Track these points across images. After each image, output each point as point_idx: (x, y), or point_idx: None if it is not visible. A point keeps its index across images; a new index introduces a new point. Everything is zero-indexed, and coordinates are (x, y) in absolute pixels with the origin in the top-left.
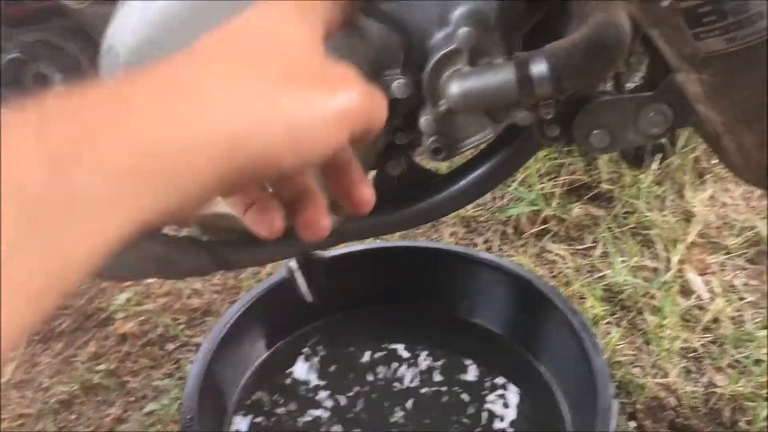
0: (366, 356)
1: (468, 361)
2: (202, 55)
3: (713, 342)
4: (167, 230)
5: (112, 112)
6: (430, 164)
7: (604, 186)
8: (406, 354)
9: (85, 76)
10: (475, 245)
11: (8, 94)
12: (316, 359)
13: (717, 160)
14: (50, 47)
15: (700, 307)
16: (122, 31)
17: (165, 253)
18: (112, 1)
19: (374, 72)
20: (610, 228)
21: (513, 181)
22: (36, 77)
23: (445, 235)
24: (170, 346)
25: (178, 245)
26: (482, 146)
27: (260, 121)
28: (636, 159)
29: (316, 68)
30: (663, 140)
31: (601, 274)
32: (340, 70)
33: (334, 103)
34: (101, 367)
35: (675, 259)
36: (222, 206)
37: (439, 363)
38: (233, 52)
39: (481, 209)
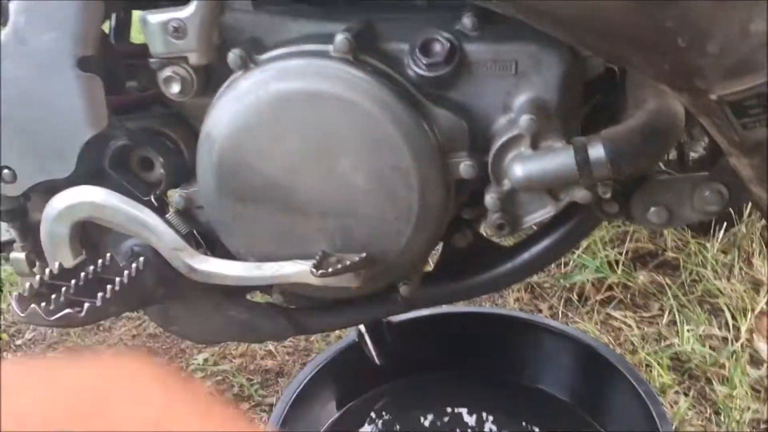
0: (430, 421)
1: (533, 428)
2: None
3: None
4: (249, 296)
5: None
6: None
7: (670, 254)
8: (470, 419)
9: (184, 160)
10: (540, 311)
11: (116, 177)
12: (381, 422)
13: None
14: (153, 133)
15: None
16: (219, 121)
17: (248, 318)
18: (210, 95)
19: (442, 155)
20: (676, 296)
21: (577, 249)
22: (140, 161)
23: (509, 301)
24: (245, 406)
25: (261, 311)
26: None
27: None
28: (702, 227)
29: None
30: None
31: (667, 343)
32: None
33: None
34: None
35: (744, 328)
36: (301, 276)
37: (503, 429)
38: None
39: (546, 276)
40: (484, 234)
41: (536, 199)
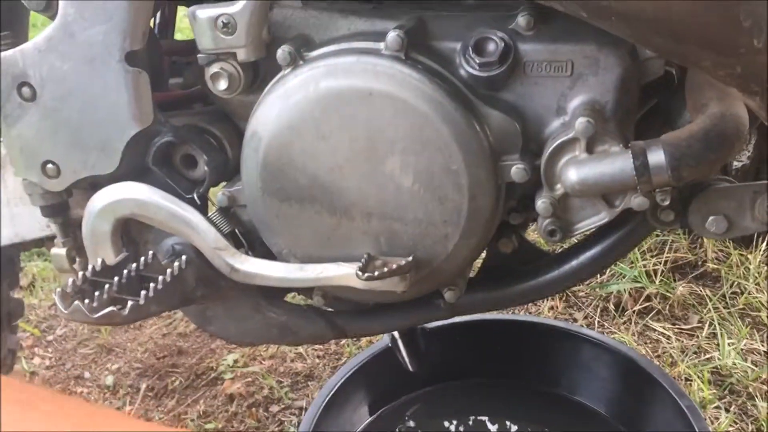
0: (462, 429)
1: None
2: None
3: None
4: (288, 298)
5: None
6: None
7: (710, 265)
8: (503, 429)
9: (227, 158)
10: (575, 320)
11: (159, 174)
12: (412, 429)
13: None
14: (197, 131)
15: None
16: (266, 119)
17: (287, 320)
18: (257, 92)
19: (494, 157)
20: (716, 308)
21: None
22: (184, 159)
23: (544, 310)
24: (274, 408)
25: (300, 313)
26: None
27: None
28: (744, 239)
29: None
30: None
31: (708, 356)
32: None
33: None
34: (210, 426)
35: None
36: (345, 279)
37: None
38: None
39: (581, 284)
40: (530, 241)
41: (590, 205)
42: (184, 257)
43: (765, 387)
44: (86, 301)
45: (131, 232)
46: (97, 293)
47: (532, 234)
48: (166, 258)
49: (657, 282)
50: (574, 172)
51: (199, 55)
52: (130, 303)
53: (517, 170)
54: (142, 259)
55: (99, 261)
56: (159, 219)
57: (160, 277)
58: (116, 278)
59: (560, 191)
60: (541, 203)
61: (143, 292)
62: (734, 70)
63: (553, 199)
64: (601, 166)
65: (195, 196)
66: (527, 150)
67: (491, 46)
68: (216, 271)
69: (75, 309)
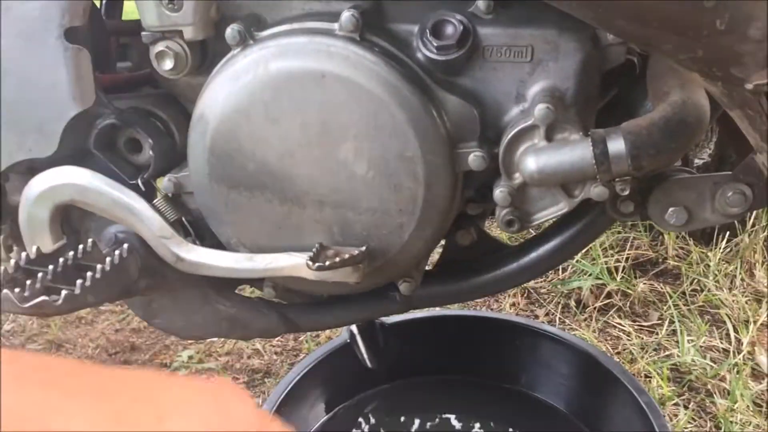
0: (419, 426)
1: None
2: None
3: None
4: (239, 291)
5: None
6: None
7: (671, 262)
8: (461, 426)
9: (174, 142)
10: (537, 317)
11: (101, 159)
12: (370, 427)
13: None
14: (143, 114)
15: None
16: (213, 102)
17: (237, 313)
18: (205, 74)
19: (451, 144)
20: (677, 305)
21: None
22: (128, 143)
23: (505, 306)
24: None
25: (251, 306)
26: (554, 219)
27: None
28: (704, 236)
29: None
30: None
31: (667, 353)
32: None
33: None
34: None
35: (745, 340)
36: (296, 269)
37: None
38: None
39: (543, 281)
40: (488, 232)
41: (549, 194)
42: (125, 246)
43: (723, 384)
44: (17, 290)
45: (72, 219)
46: (29, 282)
47: (496, 230)
48: (107, 247)
49: (618, 279)
50: (533, 160)
51: (143, 33)
52: (64, 292)
53: (474, 158)
54: (81, 247)
55: (34, 249)
56: (100, 206)
57: (99, 266)
58: (51, 267)
59: (519, 180)
60: (499, 192)
61: (79, 282)
62: (696, 53)
63: (512, 189)
64: (560, 154)
65: (139, 182)
66: (485, 137)
67: (449, 29)
68: (161, 261)
69: (4, 298)
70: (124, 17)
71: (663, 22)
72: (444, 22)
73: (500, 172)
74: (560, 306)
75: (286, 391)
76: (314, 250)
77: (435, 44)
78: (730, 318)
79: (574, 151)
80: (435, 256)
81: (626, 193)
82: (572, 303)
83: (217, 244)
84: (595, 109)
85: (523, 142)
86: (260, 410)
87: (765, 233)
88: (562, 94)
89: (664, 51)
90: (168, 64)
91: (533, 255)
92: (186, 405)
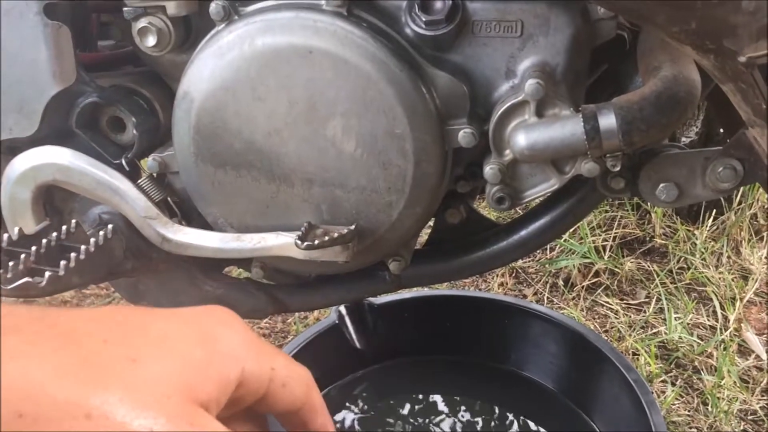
0: (409, 407)
1: (515, 416)
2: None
3: None
4: (227, 271)
5: None
6: (490, 213)
7: (658, 240)
8: (451, 406)
9: (159, 121)
10: (525, 296)
11: (84, 138)
12: (359, 408)
13: None
14: (126, 92)
15: (759, 368)
16: (198, 79)
17: (224, 294)
18: (189, 51)
19: (440, 121)
20: (664, 283)
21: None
22: (111, 121)
23: (494, 286)
24: None
25: (238, 286)
26: (543, 197)
27: None
28: (690, 214)
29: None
30: None
31: (655, 331)
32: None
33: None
34: None
35: (732, 317)
36: (284, 248)
37: (484, 416)
38: None
39: (531, 260)
40: (478, 210)
41: (539, 171)
42: (110, 227)
43: (710, 361)
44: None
45: (55, 200)
46: (11, 263)
47: (485, 209)
48: (92, 228)
49: (606, 258)
50: (523, 136)
51: (125, 9)
52: (47, 274)
53: (464, 135)
54: (64, 228)
55: (16, 230)
56: (84, 186)
57: (83, 247)
58: (34, 248)
59: (509, 157)
60: (489, 169)
61: (63, 263)
62: (689, 25)
63: (502, 165)
64: (550, 130)
65: (123, 161)
66: (475, 114)
67: (438, 4)
68: (146, 242)
69: None
70: None
71: None
72: None
73: (490, 149)
74: (548, 285)
75: None
76: (302, 229)
77: (424, 19)
78: (716, 295)
79: (564, 127)
80: (424, 235)
81: (617, 169)
82: (560, 282)
83: (204, 224)
84: (586, 85)
85: (514, 119)
86: (251, 339)
87: (751, 211)
88: (552, 70)
89: (657, 23)
90: (151, 40)
91: (523, 233)
92: (164, 342)
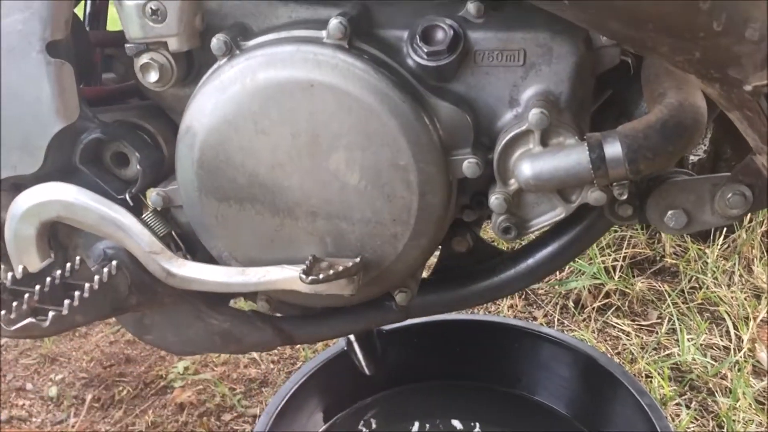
0: (417, 430)
1: None
2: None
3: None
4: (233, 304)
5: None
6: (497, 241)
7: (669, 260)
8: (459, 430)
9: (162, 156)
10: (535, 319)
11: (88, 174)
12: None
13: None
14: (129, 127)
15: None
16: (201, 113)
17: (230, 327)
18: (191, 85)
19: (444, 151)
20: (675, 303)
21: None
22: (115, 157)
23: (503, 308)
24: (227, 417)
25: (244, 319)
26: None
27: None
28: (701, 233)
29: None
30: None
31: (668, 352)
32: None
33: None
34: None
35: (746, 337)
36: (289, 282)
37: None
38: None
39: (540, 282)
40: (485, 239)
41: (545, 200)
42: (114, 262)
43: (724, 382)
44: (3, 312)
45: (59, 236)
46: (15, 304)
47: (490, 232)
48: (96, 263)
49: (616, 278)
50: (528, 166)
51: (127, 45)
52: (51, 314)
53: (469, 165)
54: (68, 265)
55: (20, 268)
56: (88, 222)
57: (87, 285)
58: (38, 287)
59: (514, 186)
60: (494, 199)
61: (67, 302)
62: (693, 55)
63: (507, 195)
64: (556, 159)
65: (127, 196)
66: (479, 144)
67: (440, 35)
68: (151, 277)
69: None
70: (110, 27)
71: (658, 24)
72: (434, 27)
73: (495, 178)
74: (558, 307)
75: (284, 401)
76: (307, 262)
77: (425, 50)
78: (729, 315)
79: (570, 156)
80: (432, 263)
81: (624, 197)
82: (570, 304)
83: (209, 258)
84: (590, 112)
85: (518, 148)
86: None
87: (762, 228)
88: (556, 98)
89: (660, 53)
90: (153, 76)
91: (530, 261)
92: None
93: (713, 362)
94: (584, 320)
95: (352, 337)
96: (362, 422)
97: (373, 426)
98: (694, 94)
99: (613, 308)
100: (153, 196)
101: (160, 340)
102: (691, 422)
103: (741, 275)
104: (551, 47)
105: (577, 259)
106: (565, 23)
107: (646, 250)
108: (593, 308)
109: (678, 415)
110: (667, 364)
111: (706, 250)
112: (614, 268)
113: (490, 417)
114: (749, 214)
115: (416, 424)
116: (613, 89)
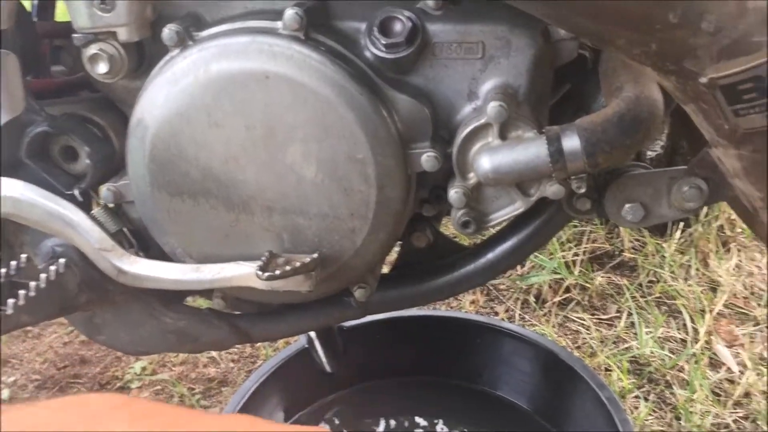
0: (382, 430)
1: None
2: None
3: (745, 417)
4: (187, 302)
5: None
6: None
7: (627, 254)
8: (425, 427)
9: (113, 149)
10: (496, 314)
11: (34, 169)
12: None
13: (741, 229)
14: (78, 120)
15: (731, 381)
16: (152, 105)
17: (185, 326)
18: (142, 77)
19: (403, 145)
20: (634, 297)
21: None
22: (63, 151)
23: (465, 304)
24: None
25: (200, 318)
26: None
27: None
28: (658, 227)
29: None
30: None
31: (626, 346)
32: None
33: None
34: None
35: (702, 330)
36: (245, 279)
37: None
38: None
39: (502, 277)
40: (444, 234)
41: (504, 194)
42: (62, 260)
43: (682, 374)
44: None
45: (5, 233)
46: None
47: (452, 228)
48: (44, 261)
49: (576, 273)
50: (487, 159)
51: (74, 35)
52: None
53: (427, 159)
54: (14, 263)
55: None
56: (35, 218)
57: (33, 284)
58: None
59: (473, 180)
60: (453, 193)
61: (11, 301)
62: (649, 47)
63: (466, 189)
64: (514, 152)
65: (76, 192)
66: (438, 137)
67: (398, 26)
68: (102, 274)
69: None
70: (59, 18)
71: (616, 16)
72: (392, 18)
73: (454, 172)
74: (519, 302)
75: (243, 400)
76: (263, 258)
77: (383, 42)
78: (686, 308)
79: (528, 150)
80: (392, 258)
81: (582, 190)
82: (531, 298)
83: (163, 255)
84: (548, 105)
85: (477, 141)
86: None
87: (718, 222)
88: (514, 91)
89: (618, 46)
90: (102, 67)
91: (490, 255)
92: None
93: (671, 355)
94: (545, 315)
95: (312, 334)
96: (324, 420)
97: (335, 423)
98: (650, 87)
99: (573, 302)
100: (103, 191)
101: (113, 340)
102: (650, 414)
103: (698, 269)
104: (510, 40)
105: (537, 254)
106: (523, 16)
107: (605, 244)
108: (554, 303)
109: (636, 407)
110: (626, 357)
111: (664, 245)
112: (574, 262)
113: (453, 413)
114: (705, 208)
115: (380, 422)
116: (571, 83)
